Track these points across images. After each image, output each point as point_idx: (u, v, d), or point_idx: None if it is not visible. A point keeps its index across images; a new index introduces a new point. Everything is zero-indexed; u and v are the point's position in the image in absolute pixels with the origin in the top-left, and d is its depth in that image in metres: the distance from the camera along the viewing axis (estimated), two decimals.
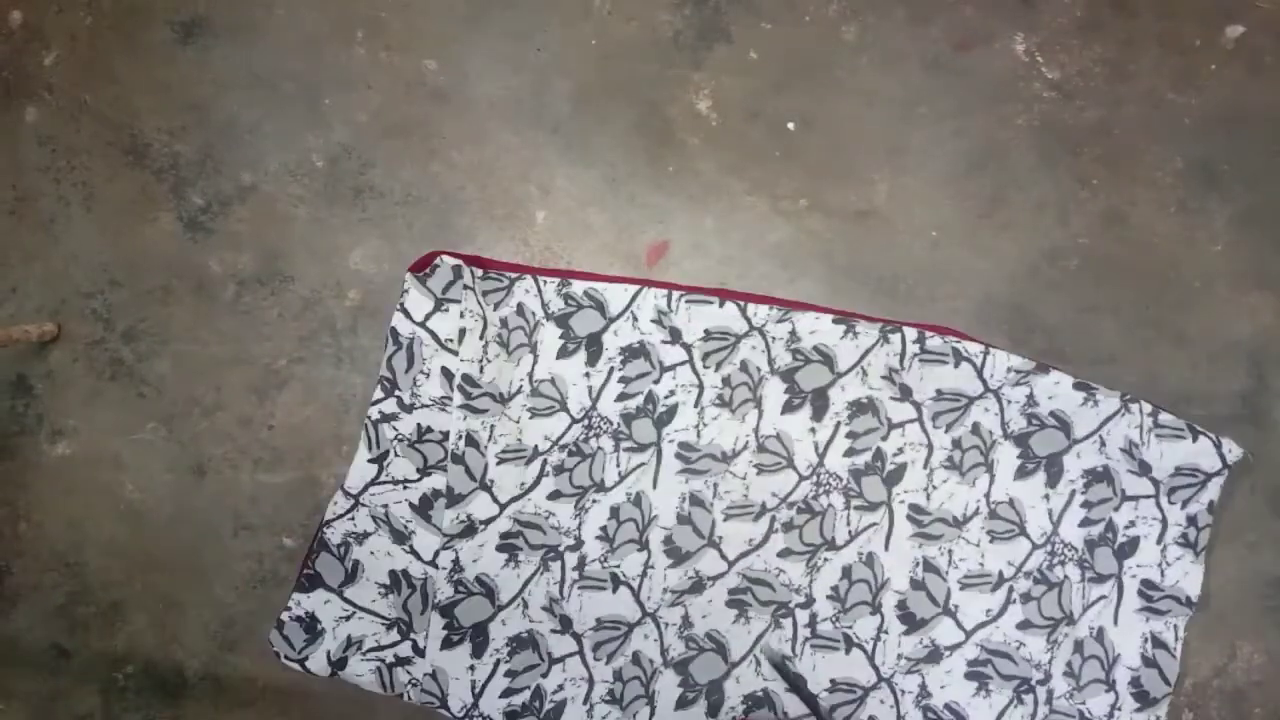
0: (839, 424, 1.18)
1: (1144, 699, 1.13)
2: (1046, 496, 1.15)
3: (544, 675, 1.16)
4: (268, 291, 1.28)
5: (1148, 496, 1.13)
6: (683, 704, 1.15)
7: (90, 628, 1.27)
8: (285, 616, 1.18)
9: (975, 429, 1.17)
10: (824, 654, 1.15)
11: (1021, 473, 1.16)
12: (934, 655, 1.14)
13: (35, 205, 1.33)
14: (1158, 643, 1.13)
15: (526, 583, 1.17)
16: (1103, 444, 1.14)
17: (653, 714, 1.15)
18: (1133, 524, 1.14)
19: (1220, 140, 1.23)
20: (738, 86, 1.27)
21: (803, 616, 1.16)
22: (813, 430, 1.18)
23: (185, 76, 1.33)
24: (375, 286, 1.27)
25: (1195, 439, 1.13)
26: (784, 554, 1.17)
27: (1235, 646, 1.18)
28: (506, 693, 1.15)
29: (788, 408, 1.19)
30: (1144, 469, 1.13)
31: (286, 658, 1.18)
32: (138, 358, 1.29)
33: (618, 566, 1.17)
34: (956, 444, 1.17)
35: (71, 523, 1.28)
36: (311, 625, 1.18)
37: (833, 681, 1.14)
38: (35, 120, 1.34)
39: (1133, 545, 1.14)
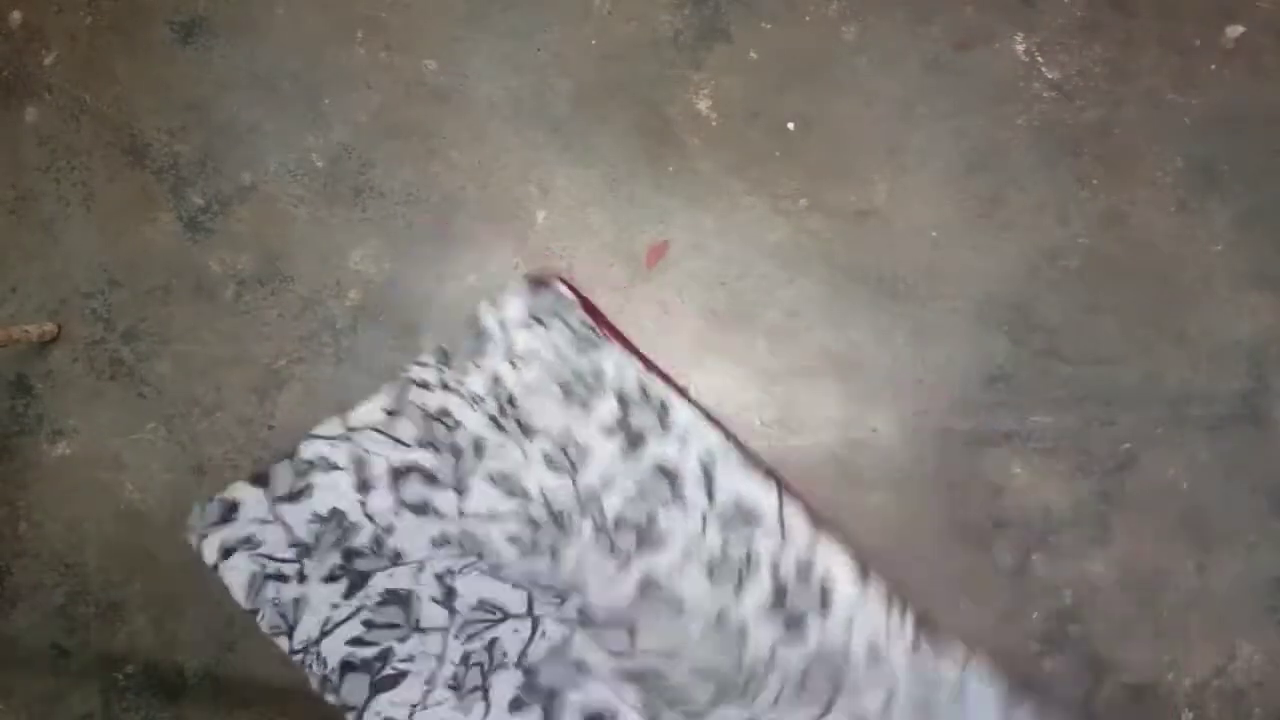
0: (762, 593, 1.13)
1: None
2: None
3: (401, 640, 1.14)
4: (268, 291, 1.28)
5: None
6: (516, 707, 1.11)
7: (90, 628, 1.27)
8: (216, 496, 1.19)
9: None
10: None
11: None
12: None
13: (35, 205, 1.33)
14: None
15: (434, 552, 1.16)
16: None
17: (487, 711, 1.11)
18: None
19: (1220, 140, 1.23)
20: (737, 86, 1.27)
21: None
22: (739, 590, 1.13)
23: (185, 76, 1.33)
24: (375, 286, 1.27)
25: None
26: None
27: (1235, 646, 1.17)
28: (354, 641, 1.14)
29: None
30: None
31: (190, 527, 1.18)
32: (138, 358, 1.29)
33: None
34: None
35: (71, 523, 1.28)
36: (229, 513, 1.18)
37: None
38: (35, 120, 1.34)
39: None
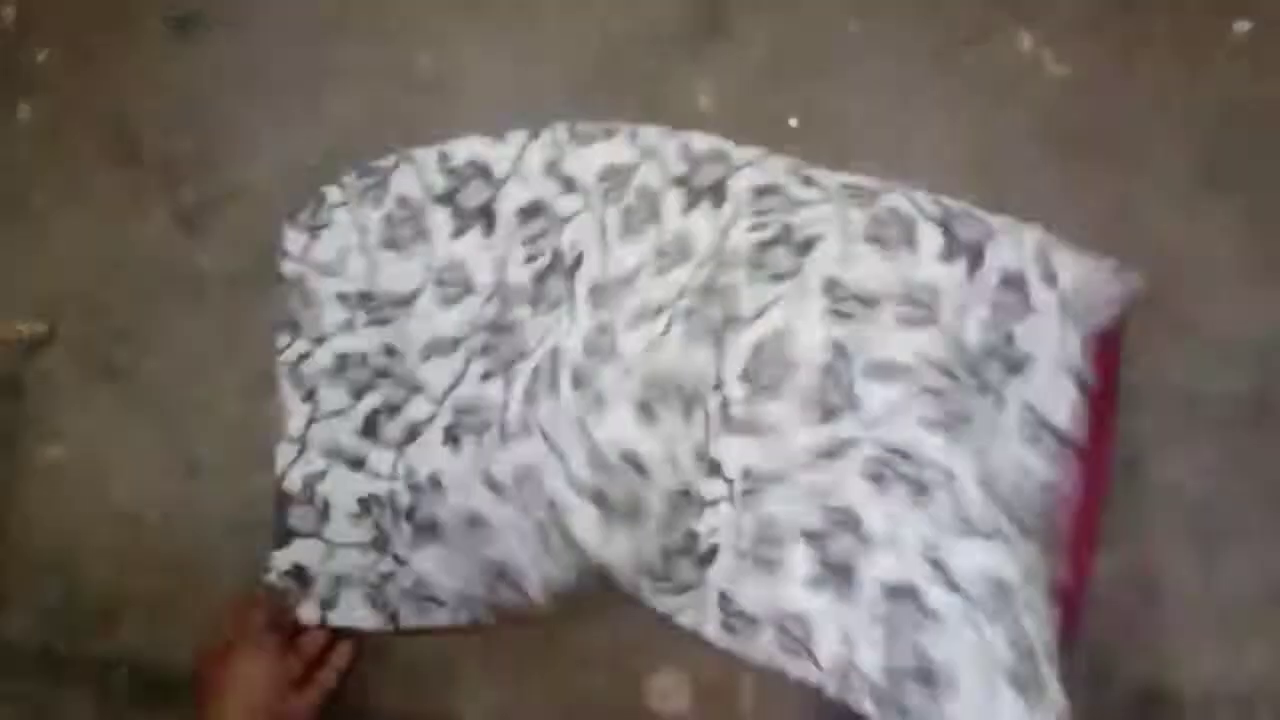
0: (740, 206, 1.11)
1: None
2: (961, 286, 1.05)
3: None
4: (261, 290, 1.27)
5: (1049, 312, 1.07)
6: (604, 523, 1.06)
7: (82, 631, 1.26)
8: (273, 578, 1.15)
9: (894, 211, 1.10)
10: (739, 439, 1.05)
11: (945, 257, 1.07)
12: (834, 451, 1.04)
13: (25, 202, 1.32)
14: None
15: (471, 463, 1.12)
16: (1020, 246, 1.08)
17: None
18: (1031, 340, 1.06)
19: (1229, 135, 1.22)
20: (738, 80, 1.26)
21: (714, 400, 1.06)
22: (713, 217, 1.11)
23: (179, 72, 1.32)
24: None
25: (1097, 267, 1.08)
26: (687, 340, 1.07)
27: (1243, 649, 1.17)
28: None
29: (686, 209, 1.12)
30: (1050, 281, 1.07)
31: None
32: (130, 357, 1.28)
33: (535, 414, 1.10)
34: (875, 219, 1.09)
35: (63, 525, 1.27)
36: (300, 575, 1.15)
37: (745, 470, 1.05)
38: (27, 116, 1.34)
39: (1026, 363, 1.05)
